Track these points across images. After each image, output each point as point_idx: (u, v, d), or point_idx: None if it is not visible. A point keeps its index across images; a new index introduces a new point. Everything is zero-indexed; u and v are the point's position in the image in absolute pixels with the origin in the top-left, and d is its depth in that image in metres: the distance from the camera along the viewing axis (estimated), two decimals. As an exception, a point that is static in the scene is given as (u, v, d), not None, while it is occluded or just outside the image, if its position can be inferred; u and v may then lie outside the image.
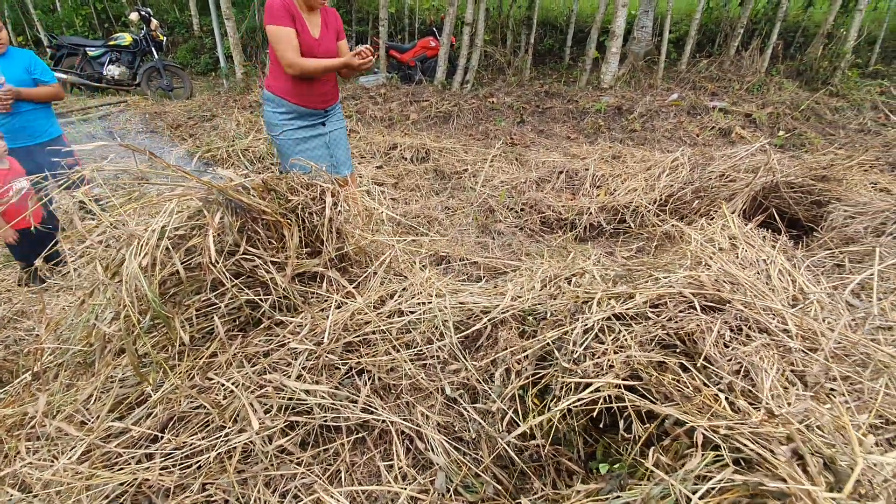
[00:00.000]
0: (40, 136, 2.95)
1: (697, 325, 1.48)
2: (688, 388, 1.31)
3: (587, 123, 5.96)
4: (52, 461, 1.48)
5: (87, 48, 7.37)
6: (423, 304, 2.03)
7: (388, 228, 2.16)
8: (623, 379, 1.41)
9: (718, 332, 1.45)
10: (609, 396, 1.41)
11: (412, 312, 1.98)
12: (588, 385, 1.44)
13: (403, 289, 2.06)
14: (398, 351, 1.81)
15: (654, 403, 1.31)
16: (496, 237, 3.59)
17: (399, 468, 1.48)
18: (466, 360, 1.81)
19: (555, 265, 2.45)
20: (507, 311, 2.03)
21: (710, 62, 7.18)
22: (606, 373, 1.44)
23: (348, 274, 1.84)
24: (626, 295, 1.72)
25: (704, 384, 1.32)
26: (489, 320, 2.00)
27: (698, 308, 1.56)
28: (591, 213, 3.58)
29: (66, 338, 1.67)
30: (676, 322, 1.52)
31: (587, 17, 8.88)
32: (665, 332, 1.52)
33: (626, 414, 1.37)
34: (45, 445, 1.56)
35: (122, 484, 1.42)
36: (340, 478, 1.46)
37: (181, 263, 1.43)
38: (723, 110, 5.96)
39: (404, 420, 1.55)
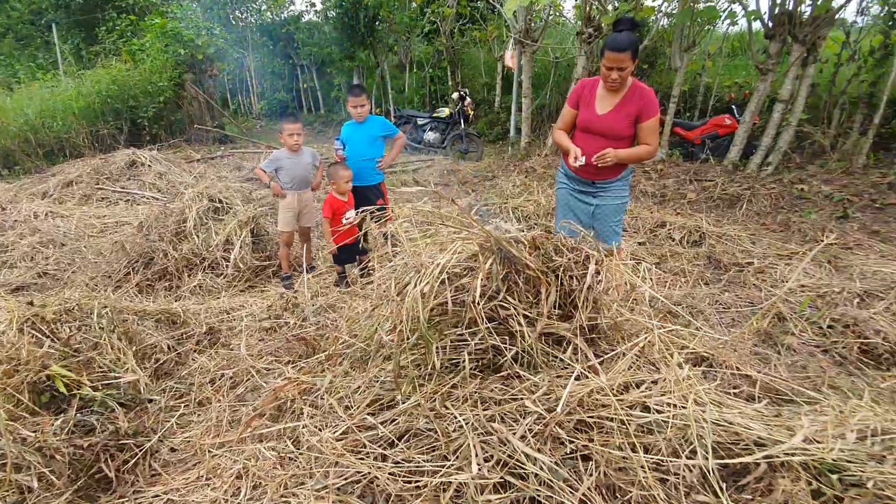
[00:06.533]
0: (369, 181, 3.87)
1: None
2: None
3: (959, 231, 4.28)
4: (320, 430, 1.82)
5: (417, 118, 9.55)
6: (675, 406, 1.73)
7: (647, 310, 1.95)
8: None
9: None
10: None
11: (659, 412, 1.70)
12: None
13: (654, 381, 1.81)
14: (634, 451, 1.57)
15: None
16: (783, 353, 2.85)
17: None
18: (724, 497, 1.43)
19: (883, 414, 1.77)
20: (796, 454, 1.55)
21: None
22: None
23: (596, 347, 1.72)
24: None
25: None
26: (765, 457, 1.56)
27: None
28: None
29: (356, 335, 2.06)
30: None
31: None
32: None
33: None
34: (319, 415, 1.93)
35: (360, 472, 1.62)
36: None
37: (450, 297, 1.59)
38: None
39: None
